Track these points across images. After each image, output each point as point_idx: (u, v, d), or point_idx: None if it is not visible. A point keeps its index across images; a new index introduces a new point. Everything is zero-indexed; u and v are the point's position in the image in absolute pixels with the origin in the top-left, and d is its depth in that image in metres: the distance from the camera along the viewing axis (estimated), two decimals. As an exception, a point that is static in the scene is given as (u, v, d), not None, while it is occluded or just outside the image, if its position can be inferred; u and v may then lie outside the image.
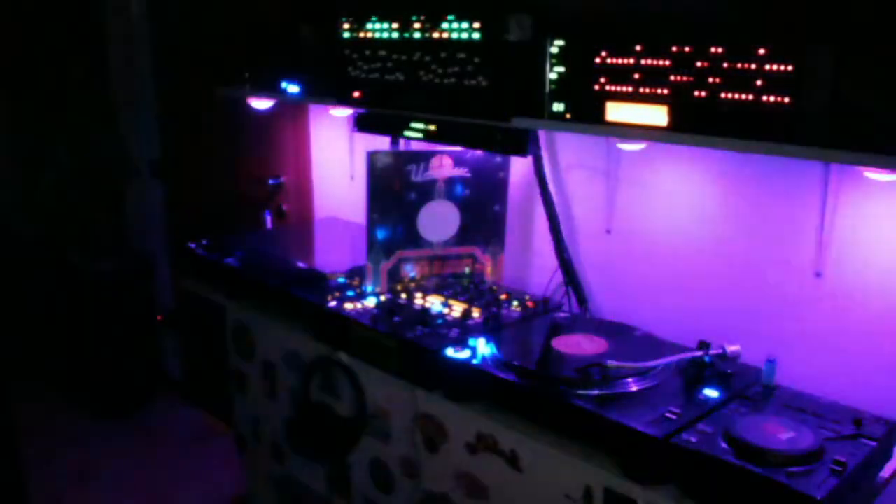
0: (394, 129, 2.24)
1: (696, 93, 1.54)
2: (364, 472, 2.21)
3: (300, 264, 2.42)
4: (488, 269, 2.39)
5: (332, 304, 2.17)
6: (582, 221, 2.28)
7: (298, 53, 2.52)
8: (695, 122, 1.56)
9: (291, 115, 3.18)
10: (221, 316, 2.70)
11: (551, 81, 1.79)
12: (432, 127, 2.12)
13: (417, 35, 1.99)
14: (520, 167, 2.35)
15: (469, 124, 2.00)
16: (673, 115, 1.59)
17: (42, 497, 3.19)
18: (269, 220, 2.97)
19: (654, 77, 1.60)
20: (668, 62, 1.58)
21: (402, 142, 2.56)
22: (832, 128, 1.44)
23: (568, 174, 2.29)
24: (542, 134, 2.22)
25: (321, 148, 3.16)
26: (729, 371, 1.73)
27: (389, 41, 2.06)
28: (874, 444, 1.48)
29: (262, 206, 3.26)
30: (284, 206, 3.32)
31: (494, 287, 2.30)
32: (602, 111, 1.70)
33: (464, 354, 1.85)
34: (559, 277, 2.26)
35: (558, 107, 1.78)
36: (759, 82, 1.45)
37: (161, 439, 3.89)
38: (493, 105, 1.86)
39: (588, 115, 1.73)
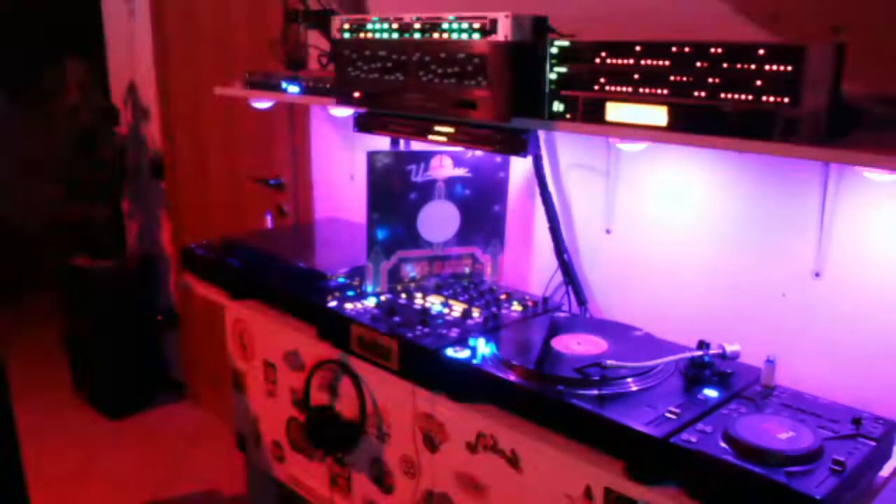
0: (394, 130, 2.24)
1: (696, 93, 1.55)
2: (364, 472, 2.21)
3: (300, 264, 2.42)
4: (488, 269, 2.39)
5: (332, 304, 2.17)
6: (582, 221, 2.28)
7: (298, 53, 2.52)
8: (695, 122, 1.56)
9: (291, 115, 3.18)
10: (221, 316, 2.70)
11: (551, 81, 1.79)
12: (432, 127, 2.11)
13: (417, 35, 1.99)
14: (520, 167, 2.35)
15: (469, 124, 2.00)
16: (673, 115, 1.59)
17: (42, 497, 3.19)
18: (269, 220, 2.97)
19: (654, 77, 1.60)
20: (668, 62, 1.58)
21: (402, 142, 2.56)
22: (832, 128, 1.44)
23: (568, 174, 2.29)
24: (542, 134, 2.22)
25: (321, 148, 3.16)
26: (728, 371, 1.73)
27: (389, 41, 2.06)
28: (873, 443, 1.48)
29: (262, 206, 3.26)
30: (284, 206, 3.33)
31: (494, 287, 2.30)
32: (602, 111, 1.71)
33: (464, 354, 1.85)
34: (559, 277, 2.26)
35: (558, 107, 1.79)
36: (759, 82, 1.46)
37: (161, 439, 3.89)
38: (493, 105, 1.86)
39: (588, 115, 1.73)
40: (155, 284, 4.30)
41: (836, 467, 1.37)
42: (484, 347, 1.85)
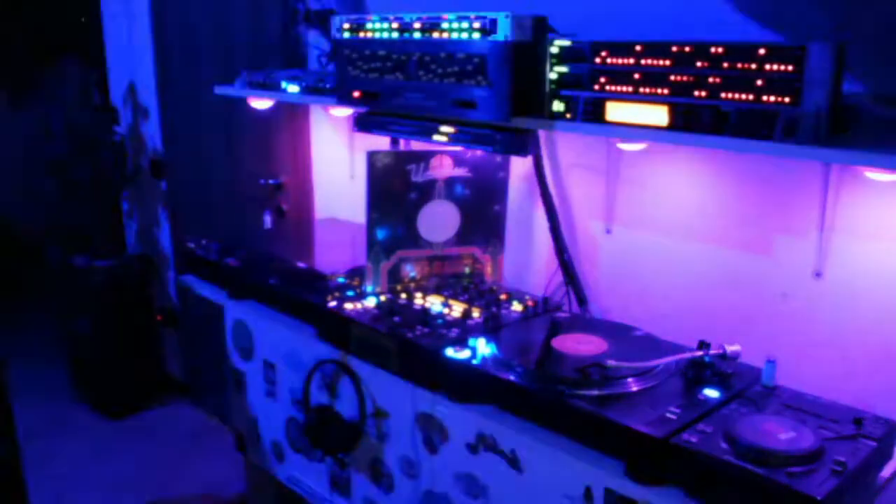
0: (394, 130, 2.24)
1: (696, 93, 1.54)
2: (364, 472, 2.21)
3: (300, 264, 2.42)
4: (488, 269, 2.39)
5: (332, 304, 2.17)
6: (582, 221, 2.28)
7: (298, 53, 2.52)
8: (695, 122, 1.56)
9: (291, 115, 3.18)
10: (221, 316, 2.70)
11: (551, 81, 1.79)
12: (432, 127, 2.11)
13: (417, 35, 1.99)
14: (520, 167, 2.35)
15: (469, 124, 2.00)
16: (673, 115, 1.59)
17: (42, 497, 3.19)
18: (269, 220, 2.97)
19: (654, 77, 1.60)
20: (668, 62, 1.58)
21: (402, 142, 2.56)
22: (832, 128, 1.44)
23: (568, 174, 2.29)
24: (542, 134, 2.22)
25: (321, 148, 3.16)
26: (729, 371, 1.73)
27: (389, 41, 2.06)
28: (874, 444, 1.48)
29: (262, 206, 3.26)
30: (284, 206, 3.32)
31: (494, 287, 2.29)
32: (602, 111, 1.70)
33: (464, 354, 1.85)
34: (559, 277, 2.26)
35: (558, 107, 1.78)
36: (759, 82, 1.45)
37: (161, 439, 3.89)
38: (493, 105, 1.86)
39: (588, 115, 1.73)
40: (155, 284, 4.29)
41: (837, 467, 1.37)
42: (484, 347, 1.85)
